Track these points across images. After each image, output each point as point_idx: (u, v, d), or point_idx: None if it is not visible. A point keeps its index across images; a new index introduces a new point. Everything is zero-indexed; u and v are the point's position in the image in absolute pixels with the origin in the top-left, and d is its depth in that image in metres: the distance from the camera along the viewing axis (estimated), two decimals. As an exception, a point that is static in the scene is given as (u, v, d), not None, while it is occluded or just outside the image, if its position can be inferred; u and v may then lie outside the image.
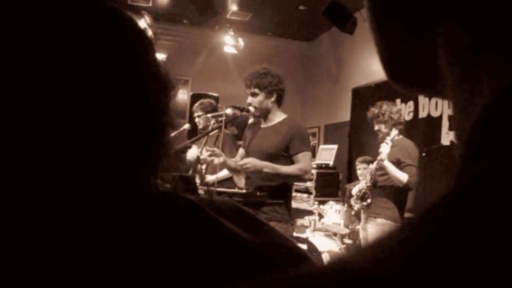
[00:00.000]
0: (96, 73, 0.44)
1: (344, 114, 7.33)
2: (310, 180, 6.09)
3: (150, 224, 0.44)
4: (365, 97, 6.49)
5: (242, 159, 3.20)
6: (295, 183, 5.63)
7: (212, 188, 2.73)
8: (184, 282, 0.42)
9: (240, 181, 3.47)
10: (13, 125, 0.40)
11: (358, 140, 6.69)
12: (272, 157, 2.99)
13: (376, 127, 3.64)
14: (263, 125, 3.14)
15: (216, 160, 3.01)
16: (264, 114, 3.09)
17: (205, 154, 3.53)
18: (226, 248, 0.45)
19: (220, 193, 2.64)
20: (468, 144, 0.19)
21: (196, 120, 4.14)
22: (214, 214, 0.48)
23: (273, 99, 3.05)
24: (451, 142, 4.76)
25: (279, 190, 3.00)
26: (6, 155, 0.39)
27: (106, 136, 0.44)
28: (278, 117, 3.10)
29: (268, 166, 2.88)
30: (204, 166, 3.69)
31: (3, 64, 0.41)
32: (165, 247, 0.43)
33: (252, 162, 2.87)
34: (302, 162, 2.97)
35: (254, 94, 3.04)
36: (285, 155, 3.01)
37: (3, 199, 0.39)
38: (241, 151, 3.29)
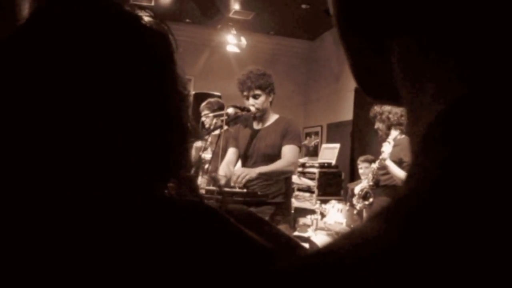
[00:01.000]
0: (119, 81, 0.45)
1: (347, 113, 7.32)
2: (293, 172, 6.09)
3: (170, 230, 0.45)
4: (367, 96, 6.46)
5: (235, 158, 3.22)
6: (297, 182, 5.65)
7: (215, 188, 2.71)
8: (203, 283, 0.44)
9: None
10: (37, 130, 0.41)
11: (360, 139, 6.68)
12: (274, 158, 3.03)
13: (376, 126, 3.66)
14: (257, 127, 3.17)
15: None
16: (263, 114, 3.13)
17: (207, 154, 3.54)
18: (245, 253, 0.47)
19: (220, 193, 2.63)
20: (416, 155, 0.21)
21: (203, 119, 4.15)
22: (234, 221, 0.49)
23: (271, 98, 3.11)
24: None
25: (279, 190, 3.05)
26: (26, 155, 0.40)
27: (130, 143, 0.45)
28: (272, 117, 3.15)
29: (260, 168, 2.94)
30: (206, 166, 3.69)
31: (31, 69, 0.42)
32: (185, 251, 0.45)
33: (243, 173, 2.88)
34: (289, 154, 3.04)
35: (256, 96, 3.06)
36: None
37: (21, 195, 0.40)
38: (232, 150, 3.29)
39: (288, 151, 3.04)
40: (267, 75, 3.07)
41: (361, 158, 4.46)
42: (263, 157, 3.06)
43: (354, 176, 6.30)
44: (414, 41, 0.25)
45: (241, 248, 0.47)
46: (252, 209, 3.27)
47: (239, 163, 3.36)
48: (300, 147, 3.15)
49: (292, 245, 0.54)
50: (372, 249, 0.17)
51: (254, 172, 2.88)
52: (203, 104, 4.32)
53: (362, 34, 0.28)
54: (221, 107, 4.05)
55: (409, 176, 0.20)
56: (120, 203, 0.43)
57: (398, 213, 0.18)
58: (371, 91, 0.32)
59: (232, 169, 3.27)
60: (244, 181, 2.83)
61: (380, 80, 0.30)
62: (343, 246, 0.18)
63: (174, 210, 0.47)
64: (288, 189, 3.15)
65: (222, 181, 3.06)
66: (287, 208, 3.09)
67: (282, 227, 2.93)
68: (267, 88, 3.05)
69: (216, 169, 3.46)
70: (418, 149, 0.21)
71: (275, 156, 3.04)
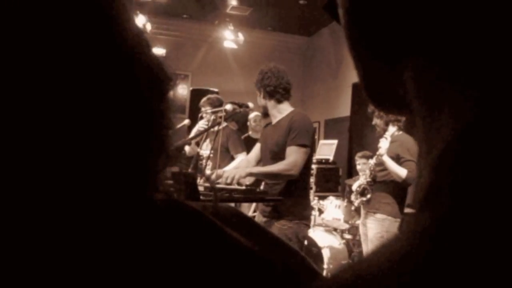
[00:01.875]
0: (79, 71, 0.39)
1: (344, 109, 7.32)
2: (293, 176, 6.07)
3: (151, 234, 0.42)
4: (365, 92, 6.46)
5: (257, 154, 3.19)
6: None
7: (212, 185, 2.71)
8: None
9: (244, 179, 3.47)
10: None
11: (358, 135, 6.68)
12: (277, 155, 2.93)
13: (374, 122, 3.66)
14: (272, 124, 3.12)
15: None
16: (264, 111, 3.08)
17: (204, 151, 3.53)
18: (230, 257, 0.44)
19: (219, 190, 2.63)
20: (431, 175, 0.21)
21: (204, 115, 4.09)
22: (218, 222, 0.46)
23: (261, 95, 3.02)
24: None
25: (285, 186, 2.92)
26: None
27: (99, 141, 0.40)
28: (281, 113, 3.04)
29: (252, 169, 2.85)
30: (204, 162, 3.69)
31: None
32: (167, 256, 0.41)
33: (231, 173, 2.78)
34: (290, 156, 2.85)
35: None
36: None
37: None
38: (258, 146, 3.27)
39: (290, 153, 2.86)
40: (260, 73, 3.03)
41: (359, 154, 4.46)
42: (270, 155, 2.99)
43: (352, 172, 6.31)
44: (429, 61, 0.24)
45: (225, 252, 0.44)
46: (247, 208, 3.25)
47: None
48: (305, 145, 2.89)
49: (281, 247, 0.51)
50: (413, 270, 0.17)
51: (244, 171, 2.79)
52: (204, 100, 4.29)
53: (374, 49, 0.28)
54: (222, 104, 4.03)
55: (426, 200, 0.20)
56: (89, 203, 0.40)
57: (427, 242, 0.18)
58: (380, 102, 0.32)
59: (253, 164, 3.23)
60: (234, 181, 2.73)
61: (390, 93, 0.29)
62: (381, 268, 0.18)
63: (150, 210, 0.43)
64: (292, 187, 2.94)
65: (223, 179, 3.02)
66: (294, 206, 2.92)
67: (291, 228, 2.89)
68: (256, 85, 3.02)
69: (216, 166, 3.45)
70: (432, 171, 0.21)
71: (281, 153, 2.91)
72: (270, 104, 3.03)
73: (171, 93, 0.48)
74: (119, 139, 0.41)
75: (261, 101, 3.05)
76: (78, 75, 0.39)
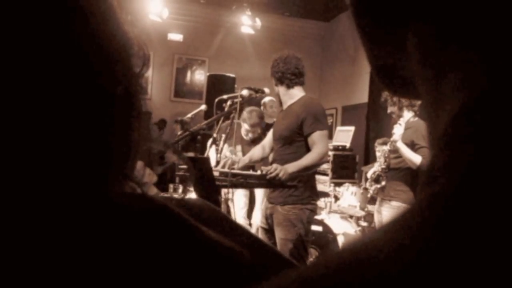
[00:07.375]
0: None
1: (362, 95, 7.26)
2: (327, 162, 6.07)
3: (109, 234, 0.36)
4: (383, 78, 6.40)
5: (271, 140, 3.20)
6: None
7: (227, 170, 2.71)
8: None
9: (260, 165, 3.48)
10: None
11: (375, 122, 6.63)
12: (287, 140, 2.96)
13: (389, 110, 3.62)
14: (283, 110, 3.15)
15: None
16: (280, 97, 3.13)
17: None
18: (206, 256, 0.39)
19: (234, 175, 2.64)
20: (439, 149, 0.19)
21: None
22: (189, 218, 0.40)
23: (274, 83, 3.08)
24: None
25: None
26: None
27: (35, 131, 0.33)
28: (292, 98, 3.07)
29: (291, 166, 2.79)
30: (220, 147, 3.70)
31: None
32: (129, 258, 0.36)
33: (282, 170, 2.72)
34: (318, 144, 2.86)
35: None
36: (300, 139, 2.94)
37: None
38: (271, 131, 3.30)
39: (316, 140, 2.87)
40: (274, 59, 3.08)
41: (379, 140, 4.42)
42: (280, 139, 3.02)
43: (368, 159, 6.27)
44: (432, 27, 0.23)
45: (196, 248, 0.39)
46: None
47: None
48: (325, 129, 2.96)
49: (260, 247, 0.44)
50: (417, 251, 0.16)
51: (286, 173, 2.73)
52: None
53: (377, 19, 0.26)
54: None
55: (431, 175, 0.18)
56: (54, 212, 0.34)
57: (432, 218, 0.16)
58: (388, 82, 0.31)
59: (267, 151, 3.25)
60: (282, 179, 2.71)
61: (397, 71, 0.28)
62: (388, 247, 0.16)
63: (106, 209, 0.38)
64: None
65: (241, 164, 3.04)
66: (298, 191, 2.94)
67: (295, 214, 2.90)
68: (271, 72, 3.08)
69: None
70: (440, 144, 0.19)
71: (288, 138, 2.96)
72: (281, 90, 3.08)
73: (139, 79, 0.41)
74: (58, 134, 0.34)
75: (275, 88, 3.10)
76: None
